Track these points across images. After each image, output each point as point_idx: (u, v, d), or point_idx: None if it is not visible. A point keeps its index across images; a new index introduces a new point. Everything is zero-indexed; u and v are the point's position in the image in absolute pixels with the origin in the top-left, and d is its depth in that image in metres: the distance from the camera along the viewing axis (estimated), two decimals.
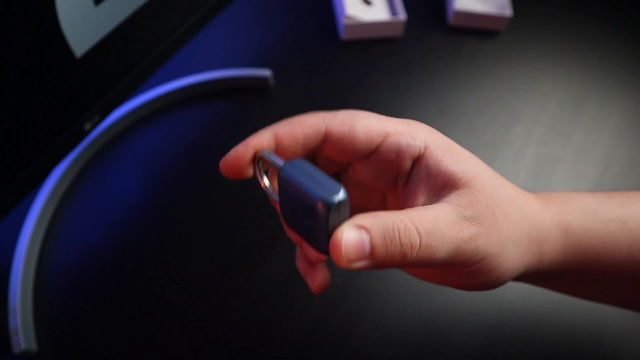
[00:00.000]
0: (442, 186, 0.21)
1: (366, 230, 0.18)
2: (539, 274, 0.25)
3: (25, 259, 0.42)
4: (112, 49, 0.35)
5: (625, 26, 0.62)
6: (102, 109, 0.38)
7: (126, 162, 0.49)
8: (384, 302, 0.42)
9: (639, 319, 0.42)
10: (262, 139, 0.21)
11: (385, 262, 0.19)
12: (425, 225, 0.19)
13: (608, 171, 0.51)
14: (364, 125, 0.21)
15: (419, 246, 0.19)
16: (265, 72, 0.54)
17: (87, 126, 0.37)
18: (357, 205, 0.26)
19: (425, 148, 0.21)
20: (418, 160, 0.22)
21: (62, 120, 0.34)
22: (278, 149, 0.21)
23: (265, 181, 0.21)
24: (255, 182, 0.48)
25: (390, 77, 0.57)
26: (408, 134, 0.21)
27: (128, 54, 0.37)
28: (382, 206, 0.26)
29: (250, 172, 0.21)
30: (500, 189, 0.22)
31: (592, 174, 0.50)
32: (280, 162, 0.20)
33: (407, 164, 0.22)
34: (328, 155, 0.22)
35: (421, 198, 0.22)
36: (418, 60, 0.58)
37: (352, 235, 0.18)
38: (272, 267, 0.44)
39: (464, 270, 0.21)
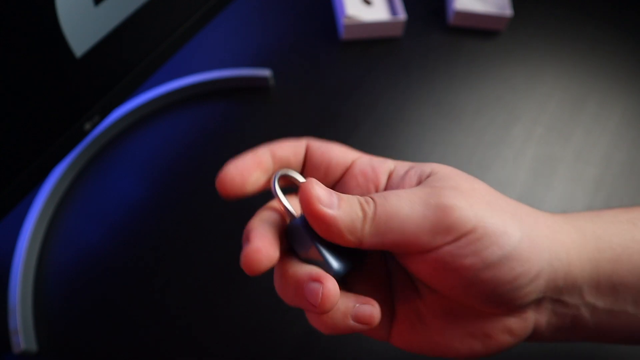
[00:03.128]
0: (416, 184, 0.22)
1: (337, 196, 0.20)
2: (570, 285, 0.21)
3: (25, 259, 0.42)
4: (112, 49, 0.35)
5: (625, 26, 0.62)
6: (102, 109, 0.38)
7: (126, 162, 0.49)
8: None
9: None
10: (262, 155, 0.22)
11: (349, 215, 0.20)
12: (379, 194, 0.21)
13: (608, 171, 0.51)
14: (337, 146, 0.24)
15: (375, 205, 0.20)
16: (265, 72, 0.54)
17: (87, 126, 0.37)
18: None
19: (395, 165, 0.24)
20: (390, 174, 0.24)
21: (62, 120, 0.34)
22: (274, 159, 0.23)
23: (285, 202, 0.21)
24: None
25: (390, 77, 0.57)
26: (376, 158, 0.24)
27: (128, 54, 0.37)
28: None
29: (249, 188, 0.22)
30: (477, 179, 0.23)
31: (592, 174, 0.50)
32: (302, 179, 0.22)
33: (383, 177, 0.23)
34: (310, 173, 0.24)
35: None
36: (418, 60, 0.58)
37: (322, 189, 0.20)
38: (271, 268, 0.44)
39: (468, 237, 0.19)
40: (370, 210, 0.20)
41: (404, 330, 0.23)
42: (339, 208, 0.19)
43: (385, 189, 0.23)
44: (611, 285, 0.22)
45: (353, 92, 0.55)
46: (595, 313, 0.22)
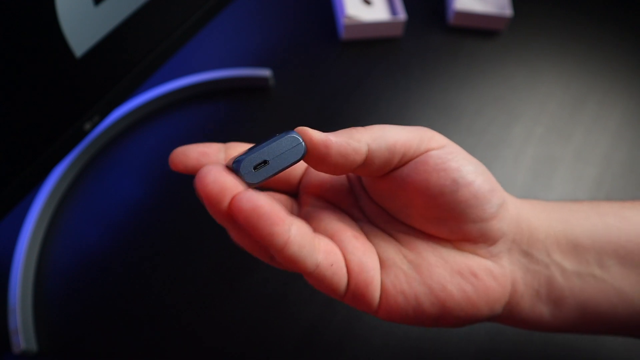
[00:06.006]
0: None
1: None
2: (534, 236, 0.23)
3: (25, 259, 0.42)
4: (112, 49, 0.35)
5: (625, 26, 0.62)
6: (102, 109, 0.38)
7: (126, 162, 0.49)
8: None
9: None
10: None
11: (345, 132, 0.21)
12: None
13: (608, 171, 0.51)
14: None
15: (365, 129, 0.22)
16: (265, 72, 0.54)
17: (87, 126, 0.37)
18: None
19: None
20: None
21: (62, 120, 0.34)
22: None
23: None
24: None
25: (390, 77, 0.57)
26: None
27: (128, 53, 0.37)
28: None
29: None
30: None
31: (592, 174, 0.50)
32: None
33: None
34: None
35: None
36: (418, 60, 0.58)
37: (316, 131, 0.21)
38: (271, 269, 0.44)
39: (450, 154, 0.22)
40: (361, 127, 0.22)
41: (396, 284, 0.22)
42: (333, 135, 0.21)
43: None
44: (570, 244, 0.23)
45: (353, 92, 0.55)
46: (565, 275, 0.23)
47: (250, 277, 0.43)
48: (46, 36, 0.29)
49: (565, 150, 0.52)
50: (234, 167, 0.20)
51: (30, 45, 0.28)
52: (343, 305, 0.42)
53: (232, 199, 0.18)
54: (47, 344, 0.40)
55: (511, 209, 0.23)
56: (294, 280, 0.43)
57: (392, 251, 0.23)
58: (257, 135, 0.51)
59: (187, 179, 0.49)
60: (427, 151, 0.22)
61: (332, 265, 0.20)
